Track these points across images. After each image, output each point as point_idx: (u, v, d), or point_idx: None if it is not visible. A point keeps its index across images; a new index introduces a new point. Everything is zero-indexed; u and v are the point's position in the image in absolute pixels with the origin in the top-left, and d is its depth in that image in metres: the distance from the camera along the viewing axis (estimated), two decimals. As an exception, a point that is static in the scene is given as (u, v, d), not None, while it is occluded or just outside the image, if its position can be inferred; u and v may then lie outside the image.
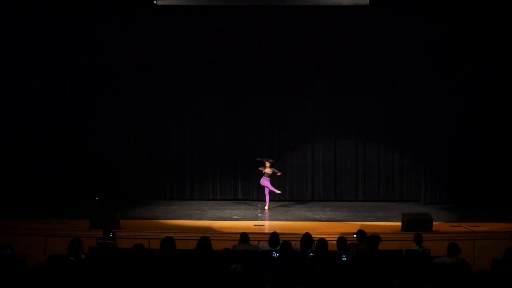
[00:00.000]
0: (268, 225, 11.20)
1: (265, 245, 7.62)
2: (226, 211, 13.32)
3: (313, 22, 14.89)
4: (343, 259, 6.79)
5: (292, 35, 14.98)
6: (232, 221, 11.78)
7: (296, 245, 7.35)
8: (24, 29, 14.00)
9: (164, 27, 15.04)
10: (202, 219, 12.01)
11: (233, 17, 14.97)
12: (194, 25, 15.02)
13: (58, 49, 14.62)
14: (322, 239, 7.08)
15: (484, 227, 10.81)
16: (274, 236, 7.59)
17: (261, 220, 12.13)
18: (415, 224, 10.07)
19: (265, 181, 13.53)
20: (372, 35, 14.78)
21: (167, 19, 14.93)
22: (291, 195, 15.22)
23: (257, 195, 15.27)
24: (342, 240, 7.32)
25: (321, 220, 12.02)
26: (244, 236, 7.80)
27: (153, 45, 15.10)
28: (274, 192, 13.65)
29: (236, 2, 14.19)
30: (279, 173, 13.76)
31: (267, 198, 13.63)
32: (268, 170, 13.49)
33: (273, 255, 7.02)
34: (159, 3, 13.18)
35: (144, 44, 15.07)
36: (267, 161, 13.61)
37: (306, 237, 7.29)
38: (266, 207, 13.50)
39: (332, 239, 7.76)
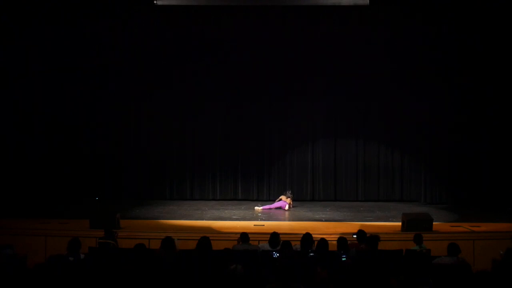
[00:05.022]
0: (268, 225, 11.18)
1: (265, 245, 7.61)
2: (226, 211, 13.32)
3: (313, 22, 14.89)
4: (343, 259, 6.79)
5: (292, 35, 14.98)
6: (232, 221, 11.78)
7: (296, 245, 7.35)
8: (24, 29, 14.00)
9: (164, 27, 15.05)
10: (202, 219, 12.01)
11: (233, 17, 14.97)
12: (194, 25, 15.02)
13: (58, 49, 14.62)
14: (322, 239, 7.08)
15: (484, 227, 10.80)
16: (274, 236, 7.58)
17: (261, 220, 12.12)
18: (415, 224, 10.07)
19: (284, 205, 13.56)
20: (372, 35, 14.78)
21: (167, 19, 14.93)
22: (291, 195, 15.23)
23: (257, 195, 15.31)
24: (342, 240, 7.32)
25: (321, 220, 12.02)
26: (244, 236, 7.80)
27: (153, 45, 15.10)
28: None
29: (236, 2, 14.18)
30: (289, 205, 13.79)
31: (270, 207, 13.63)
32: (290, 201, 13.64)
33: (273, 255, 7.02)
34: (159, 3, 13.19)
35: (144, 44, 15.08)
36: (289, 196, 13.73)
37: (306, 237, 7.29)
38: (260, 208, 13.53)
39: (332, 239, 7.76)
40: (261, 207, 13.67)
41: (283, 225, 11.40)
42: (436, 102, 14.69)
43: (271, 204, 13.84)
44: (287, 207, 13.55)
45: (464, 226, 10.95)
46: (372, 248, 7.34)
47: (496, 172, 14.29)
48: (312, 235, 7.38)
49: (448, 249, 7.00)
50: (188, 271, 5.99)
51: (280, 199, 13.75)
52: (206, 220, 11.96)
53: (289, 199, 13.69)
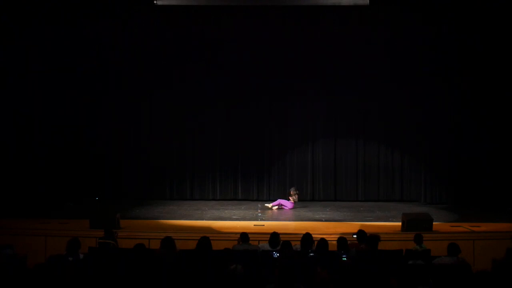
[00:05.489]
0: (268, 225, 11.18)
1: (265, 245, 7.62)
2: (226, 211, 13.32)
3: (313, 22, 14.88)
4: (343, 259, 6.79)
5: (292, 35, 14.98)
6: (232, 221, 11.78)
7: (296, 245, 7.35)
8: (24, 29, 14.00)
9: (164, 27, 15.04)
10: (202, 219, 12.01)
11: (233, 17, 14.96)
12: (194, 25, 15.02)
13: (58, 49, 14.60)
14: (322, 239, 7.09)
15: (484, 227, 10.80)
16: (274, 236, 7.58)
17: (261, 220, 12.12)
18: (415, 224, 10.07)
19: (288, 204, 13.60)
20: (372, 35, 14.78)
21: (167, 19, 14.93)
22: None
23: (257, 195, 15.31)
24: (342, 240, 7.32)
25: (321, 220, 12.01)
26: (244, 236, 7.80)
27: (153, 45, 15.10)
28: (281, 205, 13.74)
29: (236, 2, 14.17)
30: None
31: (279, 202, 13.66)
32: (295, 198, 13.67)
33: (273, 255, 7.02)
34: (159, 3, 13.18)
35: (144, 44, 15.08)
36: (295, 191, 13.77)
37: (306, 237, 7.29)
38: (270, 206, 13.60)
39: (332, 239, 7.77)
40: (271, 204, 13.64)
41: (283, 225, 11.39)
42: (436, 102, 14.69)
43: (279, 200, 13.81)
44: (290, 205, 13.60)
45: (464, 226, 10.95)
46: (372, 248, 7.34)
47: (496, 172, 14.28)
48: (312, 235, 7.39)
49: (448, 249, 7.01)
50: (188, 271, 5.99)
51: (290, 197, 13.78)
52: (206, 220, 11.96)
53: (294, 196, 13.71)
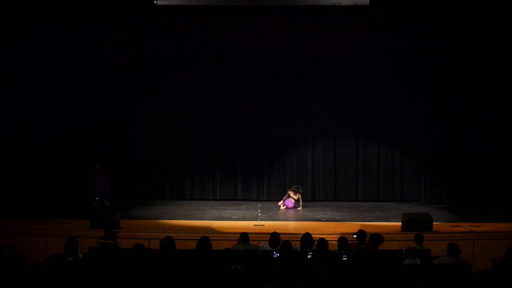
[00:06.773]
0: (268, 225, 11.18)
1: (265, 245, 7.62)
2: (226, 211, 13.32)
3: (313, 22, 14.89)
4: (343, 259, 6.80)
5: (292, 35, 14.98)
6: (232, 221, 11.78)
7: (296, 245, 7.35)
8: (24, 29, 14.00)
9: (164, 27, 15.04)
10: (202, 219, 12.01)
11: (233, 17, 14.96)
12: (194, 25, 15.02)
13: (58, 49, 14.60)
14: (322, 239, 7.10)
15: (484, 227, 10.81)
16: (274, 236, 7.59)
17: (261, 220, 12.12)
18: (415, 224, 10.07)
19: (289, 203, 13.67)
20: (372, 35, 14.78)
21: (167, 19, 14.92)
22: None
23: (257, 195, 15.31)
24: (343, 240, 7.32)
25: (321, 220, 12.01)
26: (244, 236, 7.80)
27: (153, 45, 15.09)
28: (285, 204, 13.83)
29: (236, 2, 14.16)
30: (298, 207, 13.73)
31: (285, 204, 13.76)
32: (295, 196, 13.68)
33: (273, 255, 7.02)
34: (159, 3, 13.18)
35: (144, 44, 15.07)
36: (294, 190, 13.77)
37: (306, 237, 7.30)
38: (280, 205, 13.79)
39: (332, 239, 7.78)
40: (281, 203, 13.81)
41: (283, 225, 11.39)
42: (436, 102, 14.69)
43: (283, 200, 13.86)
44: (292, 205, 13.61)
45: (464, 226, 10.95)
46: (373, 248, 7.35)
47: (496, 172, 14.27)
48: (312, 235, 7.39)
49: (448, 249, 7.01)
50: (188, 271, 6.00)
51: (288, 195, 13.75)
52: (206, 220, 11.96)
53: (298, 195, 13.68)
